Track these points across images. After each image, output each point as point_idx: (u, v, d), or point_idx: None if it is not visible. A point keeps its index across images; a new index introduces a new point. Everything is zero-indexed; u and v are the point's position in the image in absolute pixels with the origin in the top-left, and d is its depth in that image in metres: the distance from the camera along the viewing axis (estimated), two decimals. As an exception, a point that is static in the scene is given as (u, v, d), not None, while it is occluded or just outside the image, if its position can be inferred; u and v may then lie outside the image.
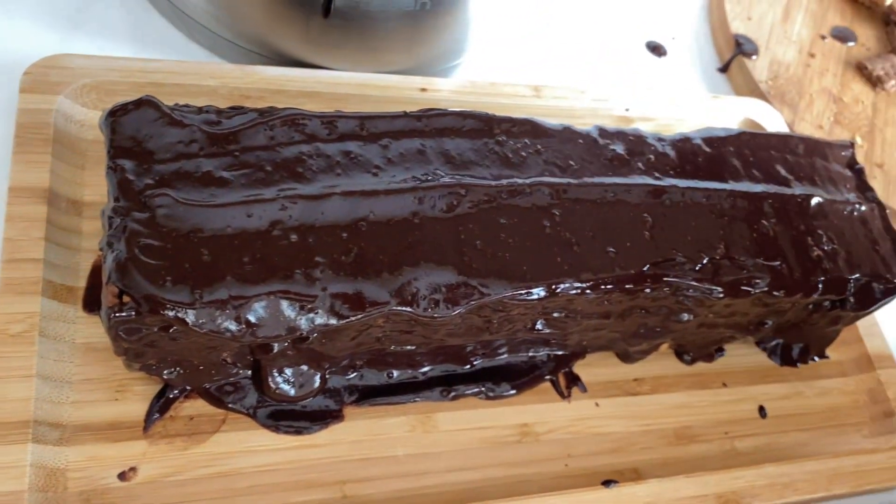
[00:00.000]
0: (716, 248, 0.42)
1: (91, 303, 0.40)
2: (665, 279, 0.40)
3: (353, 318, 0.35)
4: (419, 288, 0.36)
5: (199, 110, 0.38)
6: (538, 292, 0.37)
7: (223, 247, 0.34)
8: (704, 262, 0.41)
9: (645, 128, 0.54)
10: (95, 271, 0.41)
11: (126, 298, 0.32)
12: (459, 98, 0.52)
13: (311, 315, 0.34)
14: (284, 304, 0.34)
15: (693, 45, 0.69)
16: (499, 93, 0.54)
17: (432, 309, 0.36)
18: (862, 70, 0.70)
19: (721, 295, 0.41)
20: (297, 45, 0.50)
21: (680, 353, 0.49)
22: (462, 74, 0.58)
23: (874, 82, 0.69)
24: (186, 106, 0.38)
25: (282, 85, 0.49)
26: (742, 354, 0.51)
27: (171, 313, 0.32)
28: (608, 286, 0.39)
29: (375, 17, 0.48)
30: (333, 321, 0.34)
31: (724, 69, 0.67)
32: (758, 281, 0.42)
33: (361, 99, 0.50)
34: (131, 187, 0.34)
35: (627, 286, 0.39)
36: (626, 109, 0.57)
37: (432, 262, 0.36)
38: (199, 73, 0.47)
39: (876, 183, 0.62)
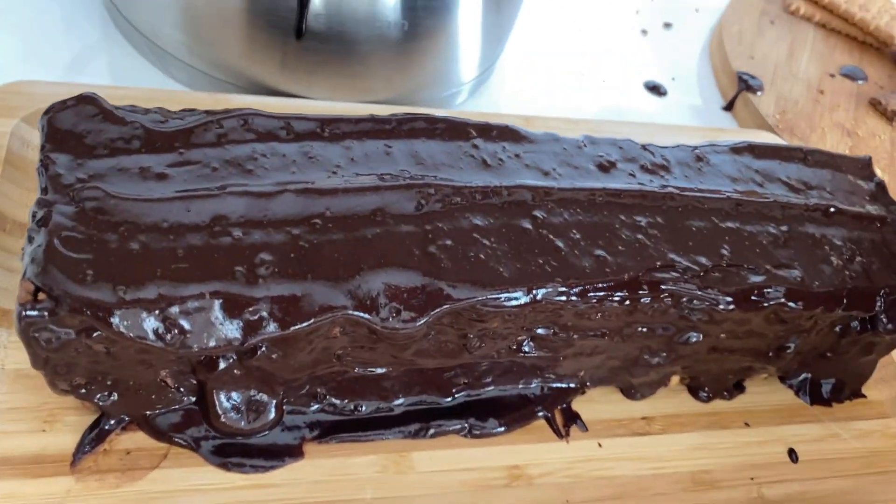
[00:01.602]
0: (721, 255, 0.37)
1: (28, 327, 0.36)
2: (663, 286, 0.35)
3: (301, 325, 0.30)
4: (378, 291, 0.31)
5: (146, 111, 0.35)
6: (517, 297, 0.33)
7: (156, 242, 0.30)
8: (709, 268, 0.36)
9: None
10: (36, 295, 0.37)
11: (41, 296, 0.28)
12: (444, 126, 0.50)
13: (254, 320, 0.30)
14: (222, 306, 0.30)
15: (694, 86, 0.67)
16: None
17: (394, 318, 0.31)
18: (876, 106, 0.66)
19: (730, 306, 0.36)
20: (272, 72, 0.49)
21: (694, 389, 0.43)
22: (450, 105, 0.55)
23: (890, 117, 0.65)
24: (132, 106, 0.35)
25: (254, 112, 0.46)
26: (766, 392, 0.45)
27: (90, 312, 0.28)
28: (598, 293, 0.34)
29: (352, 40, 0.47)
30: (277, 329, 0.30)
31: (728, 107, 0.65)
32: (770, 290, 0.37)
33: (339, 126, 0.47)
34: (60, 181, 0.31)
35: (620, 294, 0.35)
36: (624, 140, 0.54)
37: (395, 263, 0.32)
38: (168, 101, 0.45)
39: (902, 215, 0.57)
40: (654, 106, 0.63)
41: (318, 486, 0.35)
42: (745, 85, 0.63)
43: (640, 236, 0.37)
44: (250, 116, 0.35)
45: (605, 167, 0.40)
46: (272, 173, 0.34)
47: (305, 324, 0.30)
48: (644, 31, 0.70)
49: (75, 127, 0.33)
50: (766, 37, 0.70)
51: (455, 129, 0.39)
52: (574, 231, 0.36)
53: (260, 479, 0.34)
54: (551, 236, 0.35)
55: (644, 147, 0.42)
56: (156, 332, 0.29)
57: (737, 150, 0.43)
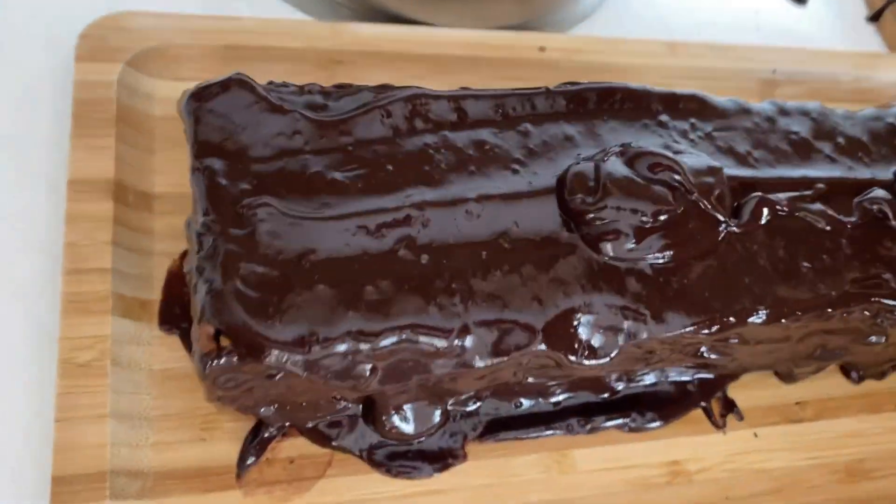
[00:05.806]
0: (923, 261, 0.34)
1: (168, 319, 0.33)
2: (873, 300, 0.32)
3: (497, 361, 0.28)
4: (571, 325, 0.28)
5: (301, 90, 0.30)
6: (724, 325, 0.30)
7: (342, 275, 0.26)
8: (911, 277, 0.33)
9: (793, 91, 0.47)
10: (171, 280, 0.34)
11: (224, 341, 0.25)
12: (584, 58, 0.44)
13: (454, 359, 0.27)
14: (418, 345, 0.27)
15: (837, -8, 0.59)
16: (629, 51, 0.45)
17: (586, 355, 0.29)
18: None
19: (932, 317, 0.33)
20: (394, -3, 0.42)
21: (846, 370, 0.41)
22: (584, 28, 0.49)
23: None
24: (284, 85, 0.30)
25: (377, 46, 0.41)
26: (917, 370, 0.43)
27: (283, 360, 0.25)
28: (809, 312, 0.31)
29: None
30: (478, 363, 0.27)
31: (874, 17, 0.57)
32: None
33: (470, 62, 0.42)
34: (223, 194, 0.27)
35: (828, 310, 0.31)
36: (773, 71, 0.48)
37: (593, 289, 0.29)
38: (283, 34, 0.40)
39: None
40: (792, 16, 0.56)
41: (485, 491, 0.34)
42: (899, -7, 0.56)
43: (842, 240, 0.33)
44: (418, 98, 0.30)
45: (799, 148, 0.35)
46: (450, 175, 0.29)
47: (501, 359, 0.28)
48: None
49: (229, 121, 0.28)
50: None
51: (638, 103, 0.34)
52: (777, 240, 0.32)
53: (427, 484, 0.33)
54: (755, 247, 0.31)
55: (837, 117, 0.37)
56: (349, 375, 0.26)
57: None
